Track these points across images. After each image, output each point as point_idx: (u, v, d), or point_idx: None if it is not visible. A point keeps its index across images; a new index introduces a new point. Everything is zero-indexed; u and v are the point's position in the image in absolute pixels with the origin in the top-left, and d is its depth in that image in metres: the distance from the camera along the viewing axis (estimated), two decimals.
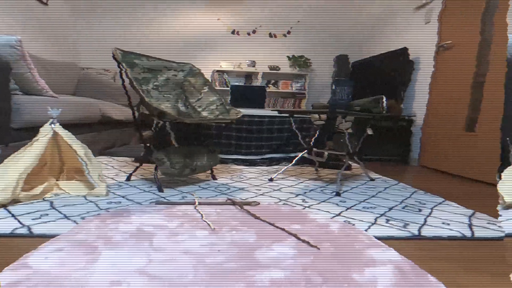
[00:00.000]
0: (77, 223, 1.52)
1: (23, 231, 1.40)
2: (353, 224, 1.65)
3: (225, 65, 6.43)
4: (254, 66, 6.52)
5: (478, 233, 1.60)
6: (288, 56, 6.51)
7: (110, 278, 1.02)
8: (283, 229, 1.50)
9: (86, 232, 1.39)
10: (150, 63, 2.60)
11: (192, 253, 1.22)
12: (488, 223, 1.77)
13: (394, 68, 4.67)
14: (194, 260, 1.17)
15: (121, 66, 2.30)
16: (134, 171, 2.50)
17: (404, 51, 4.58)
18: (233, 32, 6.56)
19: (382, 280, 1.07)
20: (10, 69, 2.44)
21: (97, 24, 6.24)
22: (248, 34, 6.60)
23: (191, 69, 2.87)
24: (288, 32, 6.64)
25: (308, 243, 1.35)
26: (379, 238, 1.46)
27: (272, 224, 1.57)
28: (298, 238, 1.40)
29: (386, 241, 1.43)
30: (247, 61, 6.51)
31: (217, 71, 6.47)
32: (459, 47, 3.77)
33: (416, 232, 1.56)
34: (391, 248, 1.33)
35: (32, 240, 1.33)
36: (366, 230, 1.56)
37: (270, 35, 6.64)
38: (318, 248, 1.31)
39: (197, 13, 6.40)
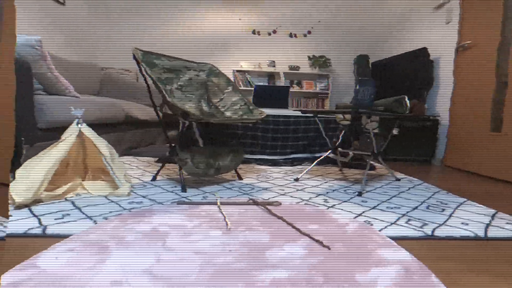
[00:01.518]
0: (96, 223, 1.52)
1: (38, 231, 1.40)
2: (371, 224, 1.63)
3: (245, 65, 6.44)
4: (274, 66, 6.51)
5: (493, 233, 1.56)
6: (308, 56, 6.48)
7: (113, 278, 1.02)
8: (298, 229, 1.49)
9: (100, 232, 1.39)
10: (170, 63, 2.61)
11: (202, 253, 1.22)
12: (507, 223, 1.73)
13: (415, 68, 4.62)
14: (202, 260, 1.16)
15: (141, 66, 2.31)
16: (159, 171, 2.52)
17: (423, 51, 4.53)
18: (253, 32, 6.57)
19: (383, 280, 1.06)
20: (30, 69, 2.46)
21: (116, 24, 6.30)
22: (269, 34, 6.59)
23: (211, 69, 2.88)
24: (309, 32, 6.63)
25: (321, 243, 1.33)
26: (393, 238, 1.45)
27: (290, 224, 1.55)
28: (312, 238, 1.39)
29: (400, 241, 1.41)
30: (267, 61, 6.50)
31: (238, 71, 6.47)
32: (480, 46, 3.71)
33: (430, 232, 1.54)
34: (403, 248, 1.31)
35: (47, 240, 1.33)
36: (380, 230, 1.54)
37: (291, 35, 6.63)
38: (329, 248, 1.29)
39: (217, 13, 6.43)
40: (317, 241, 1.36)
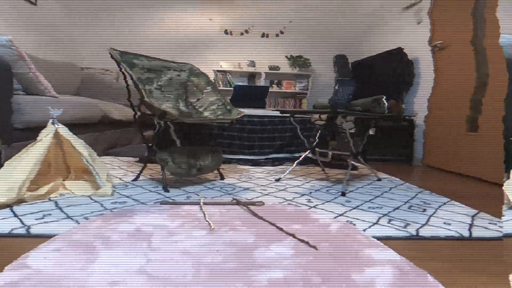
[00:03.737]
0: (78, 223, 1.52)
1: (22, 231, 1.40)
2: (354, 224, 1.65)
3: (225, 65, 6.43)
4: (254, 66, 6.51)
5: (478, 233, 1.58)
6: (286, 56, 6.51)
7: (109, 278, 1.02)
8: (281, 229, 1.49)
9: (84, 232, 1.38)
10: (149, 63, 2.60)
11: (189, 253, 1.22)
12: (489, 223, 1.75)
13: (393, 68, 4.66)
14: (190, 260, 1.17)
15: (121, 66, 2.30)
16: (141, 171, 2.52)
17: (399, 51, 4.58)
18: (225, 32, 6.55)
19: (380, 280, 1.07)
20: (10, 69, 2.42)
21: (92, 24, 6.20)
22: (241, 34, 6.59)
23: (192, 69, 2.87)
24: (281, 32, 6.63)
25: (307, 243, 1.34)
26: (378, 238, 1.45)
27: (273, 224, 1.56)
28: (297, 238, 1.39)
29: (385, 241, 1.42)
30: (247, 61, 6.50)
31: (219, 71, 6.46)
32: (454, 46, 3.77)
33: (414, 232, 1.55)
34: (389, 248, 1.32)
35: (31, 240, 1.32)
36: (364, 230, 1.55)
37: (263, 35, 6.63)
38: (316, 248, 1.30)
39: (192, 13, 6.38)
40: (302, 241, 1.36)
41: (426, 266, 1.19)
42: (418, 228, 1.61)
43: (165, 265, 1.12)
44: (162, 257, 1.18)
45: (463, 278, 1.15)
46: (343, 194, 2.29)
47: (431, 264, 1.24)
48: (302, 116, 3.69)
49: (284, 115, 3.58)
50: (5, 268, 1.06)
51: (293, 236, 1.42)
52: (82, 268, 1.07)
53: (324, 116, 2.94)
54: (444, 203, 2.14)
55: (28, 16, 4.84)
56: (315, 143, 2.97)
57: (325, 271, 1.11)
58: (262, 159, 3.55)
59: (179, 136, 2.97)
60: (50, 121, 2.03)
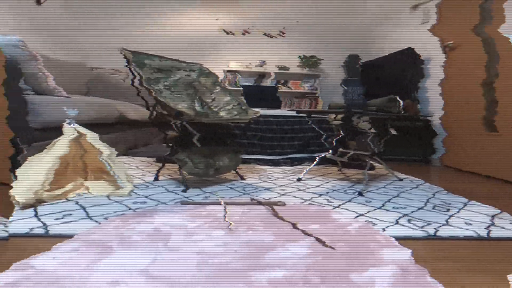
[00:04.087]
0: (99, 223, 1.51)
1: (40, 231, 1.40)
2: (374, 224, 1.63)
3: (234, 66, 6.42)
4: (261, 66, 6.51)
5: (495, 233, 1.56)
6: (299, 56, 6.49)
7: (110, 278, 1.01)
8: (301, 230, 1.47)
9: (102, 232, 1.38)
10: (160, 63, 2.59)
11: (203, 253, 1.21)
12: (510, 223, 1.73)
13: (404, 68, 4.63)
14: (201, 260, 1.16)
15: (130, 66, 2.28)
16: (159, 171, 2.52)
17: (410, 51, 4.54)
18: (226, 32, 6.54)
19: (381, 280, 1.05)
20: (20, 69, 2.43)
21: (103, 24, 6.20)
22: (243, 34, 6.58)
23: (201, 69, 2.87)
24: (282, 32, 6.62)
25: (324, 243, 1.32)
26: (397, 238, 1.43)
27: (293, 224, 1.54)
28: (316, 238, 1.37)
29: (403, 242, 1.40)
30: (258, 61, 6.49)
31: (229, 71, 6.45)
32: (464, 46, 3.73)
33: (432, 232, 1.53)
34: (405, 248, 1.30)
35: (49, 240, 1.32)
36: (383, 230, 1.54)
37: (265, 34, 6.62)
38: (333, 248, 1.28)
39: (200, 13, 6.37)
40: (320, 241, 1.34)
41: (436, 266, 1.19)
42: (438, 228, 1.59)
43: (172, 265, 1.12)
44: (172, 257, 1.17)
45: (470, 277, 1.14)
46: (360, 194, 2.27)
47: (441, 264, 1.23)
48: (318, 116, 3.66)
49: (301, 115, 3.56)
50: (9, 268, 1.06)
51: (312, 236, 1.40)
52: (87, 268, 1.07)
53: (339, 116, 2.92)
54: (465, 203, 2.11)
55: (36, 16, 4.85)
56: (334, 143, 2.94)
57: (330, 271, 1.10)
58: (281, 159, 3.54)
59: (200, 137, 2.97)
60: (67, 121, 2.02)
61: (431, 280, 1.06)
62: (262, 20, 6.54)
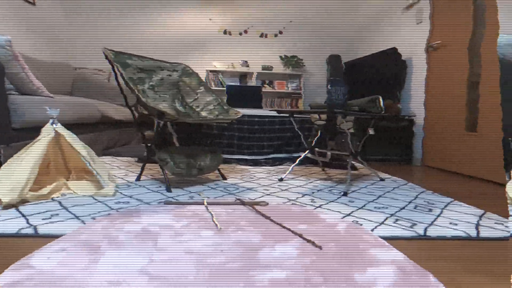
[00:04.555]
0: (85, 223, 1.51)
1: (29, 231, 1.39)
2: (361, 224, 1.64)
3: (218, 65, 6.41)
4: (247, 66, 6.50)
5: (484, 233, 1.58)
6: (280, 56, 6.51)
7: (110, 278, 1.01)
8: (289, 229, 1.49)
9: (91, 232, 1.38)
10: (143, 63, 2.59)
11: (196, 253, 1.21)
12: (496, 223, 1.75)
13: (387, 68, 4.67)
14: (196, 260, 1.16)
15: (114, 66, 2.28)
16: (142, 171, 2.51)
17: (394, 51, 4.59)
18: (225, 32, 6.54)
19: (382, 280, 1.06)
20: (3, 69, 2.40)
21: (88, 24, 6.16)
22: (240, 34, 6.58)
23: (184, 69, 2.87)
24: (280, 32, 6.64)
25: (313, 243, 1.33)
26: (384, 238, 1.45)
27: (280, 224, 1.55)
28: (303, 238, 1.38)
29: (391, 241, 1.41)
30: (240, 61, 6.49)
31: (211, 71, 6.44)
32: (450, 46, 3.78)
33: (422, 232, 1.55)
34: (395, 248, 1.31)
35: (38, 240, 1.33)
36: (372, 230, 1.55)
37: (262, 35, 6.63)
38: (321, 248, 1.29)
39: (188, 13, 6.37)
40: (309, 241, 1.35)
41: (430, 266, 1.19)
42: (425, 228, 1.61)
43: (168, 265, 1.11)
44: (167, 257, 1.17)
45: (468, 278, 1.15)
46: (345, 194, 2.29)
47: (435, 263, 1.24)
48: (300, 116, 3.69)
49: (282, 115, 3.58)
50: (9, 268, 1.06)
51: (300, 236, 1.41)
52: (85, 268, 1.07)
53: (324, 116, 2.94)
54: (449, 203, 2.13)
55: (25, 16, 4.79)
56: (313, 143, 2.96)
57: (328, 271, 1.11)
58: (262, 159, 3.55)
59: (178, 137, 2.97)
60: (50, 121, 2.01)
61: (434, 280, 1.08)
62: (259, 20, 6.59)
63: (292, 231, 1.46)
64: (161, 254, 1.19)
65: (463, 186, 2.87)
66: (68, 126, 2.17)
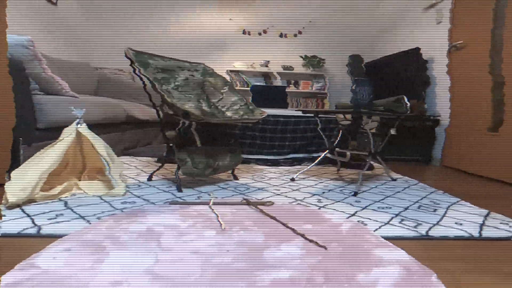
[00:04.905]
0: (90, 223, 1.53)
1: (34, 230, 1.41)
2: (365, 224, 1.64)
3: (238, 65, 6.44)
4: (267, 66, 6.51)
5: (488, 233, 1.56)
6: (301, 56, 6.46)
7: (114, 278, 1.02)
8: (292, 229, 1.49)
9: (95, 232, 1.39)
10: (164, 63, 2.60)
11: (200, 253, 1.22)
12: (501, 223, 1.73)
13: (409, 68, 4.61)
14: (200, 260, 1.17)
15: (134, 66, 2.31)
16: (156, 171, 2.54)
17: (416, 51, 4.52)
18: (243, 32, 6.56)
19: (385, 280, 1.06)
20: (24, 68, 2.46)
21: (108, 24, 6.25)
22: (259, 34, 6.59)
23: (205, 69, 2.88)
24: (300, 32, 6.62)
25: (316, 243, 1.34)
26: (387, 238, 1.44)
27: (284, 224, 1.56)
28: (306, 238, 1.39)
29: (395, 241, 1.41)
30: (262, 61, 6.51)
31: (232, 71, 6.47)
32: (473, 46, 3.71)
33: (424, 232, 1.54)
34: (399, 248, 1.31)
35: (42, 240, 1.34)
36: (375, 231, 1.54)
37: (281, 35, 6.62)
38: (326, 248, 1.29)
39: (208, 13, 6.40)
40: (311, 241, 1.36)
41: (435, 266, 1.19)
42: (429, 228, 1.60)
43: (173, 265, 1.13)
44: (171, 257, 1.19)
45: (472, 278, 1.14)
46: (355, 194, 2.28)
47: (438, 263, 1.23)
48: (326, 116, 3.65)
49: (307, 115, 3.56)
50: (15, 267, 1.07)
51: (303, 236, 1.41)
52: (90, 268, 1.08)
53: (349, 116, 2.91)
54: (454, 203, 2.11)
55: (46, 16, 4.90)
56: (335, 143, 2.93)
57: (331, 271, 1.11)
58: (281, 159, 3.55)
59: (201, 136, 2.99)
60: (76, 121, 2.05)
61: (436, 280, 1.08)
62: (278, 20, 6.57)
63: (295, 231, 1.47)
64: (166, 254, 1.21)
65: (475, 187, 2.84)
66: (94, 126, 2.21)
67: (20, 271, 1.05)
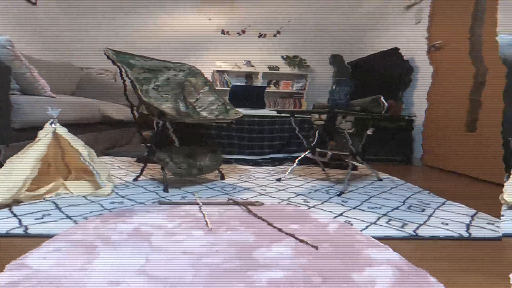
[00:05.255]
0: (77, 223, 1.51)
1: (20, 231, 1.40)
2: (352, 224, 1.64)
3: (222, 65, 6.42)
4: (251, 66, 6.51)
5: (475, 233, 1.58)
6: (282, 56, 6.50)
7: (109, 278, 1.02)
8: (279, 229, 1.49)
9: (84, 232, 1.38)
10: (147, 63, 2.59)
11: (190, 253, 1.22)
12: (488, 223, 1.75)
13: (390, 68, 4.67)
14: (194, 260, 1.16)
15: (120, 66, 2.29)
16: (142, 171, 2.52)
17: (395, 51, 4.58)
18: (222, 32, 6.55)
19: (381, 280, 1.07)
20: (9, 69, 2.41)
21: (89, 24, 6.18)
22: (238, 34, 6.59)
23: (190, 69, 2.87)
24: (278, 32, 6.63)
25: (306, 243, 1.34)
26: (377, 238, 1.45)
27: (271, 224, 1.56)
28: (297, 238, 1.39)
29: (384, 241, 1.42)
30: (243, 61, 6.50)
31: (217, 71, 6.44)
32: (452, 46, 3.78)
33: (413, 232, 1.55)
34: (389, 248, 1.32)
35: (30, 240, 1.33)
36: (362, 231, 1.55)
37: (260, 35, 6.63)
38: (317, 248, 1.30)
39: (188, 13, 6.38)
40: (301, 241, 1.36)
41: (425, 266, 1.19)
42: (416, 228, 1.61)
43: (163, 265, 1.12)
44: (160, 257, 1.18)
45: (462, 278, 1.15)
46: (340, 194, 2.29)
47: (429, 264, 1.24)
48: (302, 116, 3.68)
49: (283, 115, 3.57)
50: (6, 268, 1.06)
51: (293, 236, 1.41)
52: (82, 268, 1.07)
53: (324, 116, 2.93)
54: (443, 203, 2.14)
55: (26, 16, 4.82)
56: (313, 143, 2.96)
57: (326, 271, 1.11)
58: (261, 159, 3.55)
59: (178, 136, 2.97)
60: (50, 121, 2.02)
61: (432, 280, 1.08)
62: (257, 20, 6.57)
63: (283, 231, 1.47)
64: (156, 254, 1.20)
65: (460, 186, 2.88)
66: (69, 126, 2.18)
67: (11, 271, 1.04)
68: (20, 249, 1.21)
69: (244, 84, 6.48)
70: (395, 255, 1.26)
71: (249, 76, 6.60)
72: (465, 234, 1.56)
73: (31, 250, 1.19)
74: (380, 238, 1.46)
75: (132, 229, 1.44)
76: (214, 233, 1.43)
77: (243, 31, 6.58)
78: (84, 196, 1.99)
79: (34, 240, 1.31)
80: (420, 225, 1.68)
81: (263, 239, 1.38)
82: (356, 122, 3.54)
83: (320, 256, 1.23)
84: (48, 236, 1.34)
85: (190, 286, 1.00)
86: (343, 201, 2.11)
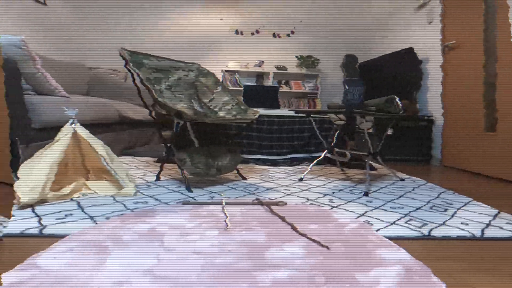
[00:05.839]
0: (96, 223, 1.51)
1: (35, 231, 1.39)
2: (371, 224, 1.63)
3: (232, 65, 6.40)
4: (260, 66, 6.48)
5: (491, 233, 1.56)
6: (297, 56, 6.47)
7: (113, 279, 1.01)
8: (294, 229, 1.48)
9: (98, 232, 1.38)
10: (158, 63, 2.59)
11: (200, 253, 1.21)
12: (507, 223, 1.72)
13: (403, 69, 4.64)
14: (202, 260, 1.16)
15: (128, 66, 2.28)
16: (161, 171, 2.51)
17: (410, 51, 4.55)
18: (236, 32, 6.53)
19: (385, 280, 1.05)
20: (18, 69, 2.41)
21: (100, 24, 6.21)
22: (252, 34, 6.57)
23: (199, 69, 2.87)
24: (292, 32, 6.61)
25: (319, 243, 1.33)
26: (390, 238, 1.44)
27: (290, 224, 1.54)
28: (309, 238, 1.38)
29: (398, 241, 1.40)
30: (256, 61, 6.48)
31: (227, 71, 6.43)
32: (465, 46, 3.75)
33: (426, 232, 1.53)
34: (401, 248, 1.31)
35: (44, 240, 1.33)
36: (376, 231, 1.53)
37: (274, 35, 6.61)
38: (328, 248, 1.28)
39: (199, 13, 6.38)
40: (314, 241, 1.35)
41: (436, 266, 1.19)
42: (432, 228, 1.59)
43: (172, 265, 1.12)
44: (172, 257, 1.17)
45: (473, 278, 1.14)
46: (366, 194, 2.27)
47: (441, 263, 1.23)
48: (320, 116, 3.66)
49: (300, 115, 3.55)
50: (15, 268, 1.06)
51: (305, 236, 1.40)
52: (90, 268, 1.07)
53: (342, 116, 2.91)
54: (467, 203, 2.11)
55: (36, 16, 4.84)
56: (333, 143, 2.93)
57: (332, 271, 1.10)
58: (280, 159, 3.53)
59: (197, 136, 2.96)
60: (70, 121, 2.01)
61: (437, 280, 1.07)
62: (271, 20, 6.56)
63: (298, 231, 1.45)
64: (167, 254, 1.20)
65: (482, 186, 2.84)
66: (86, 126, 2.17)
67: (20, 271, 1.05)
68: (36, 249, 1.21)
69: (255, 84, 6.46)
70: (405, 255, 1.25)
71: (260, 76, 6.57)
72: (478, 234, 1.53)
73: (42, 250, 1.20)
74: (394, 238, 1.45)
75: (147, 229, 1.43)
76: (229, 233, 1.43)
77: (257, 31, 6.55)
78: (112, 196, 1.98)
79: (48, 240, 1.31)
80: (440, 225, 1.66)
81: (277, 239, 1.37)
82: (376, 122, 3.52)
83: (331, 256, 1.22)
84: (63, 236, 1.34)
85: (193, 286, 0.99)
86: (367, 201, 2.09)
